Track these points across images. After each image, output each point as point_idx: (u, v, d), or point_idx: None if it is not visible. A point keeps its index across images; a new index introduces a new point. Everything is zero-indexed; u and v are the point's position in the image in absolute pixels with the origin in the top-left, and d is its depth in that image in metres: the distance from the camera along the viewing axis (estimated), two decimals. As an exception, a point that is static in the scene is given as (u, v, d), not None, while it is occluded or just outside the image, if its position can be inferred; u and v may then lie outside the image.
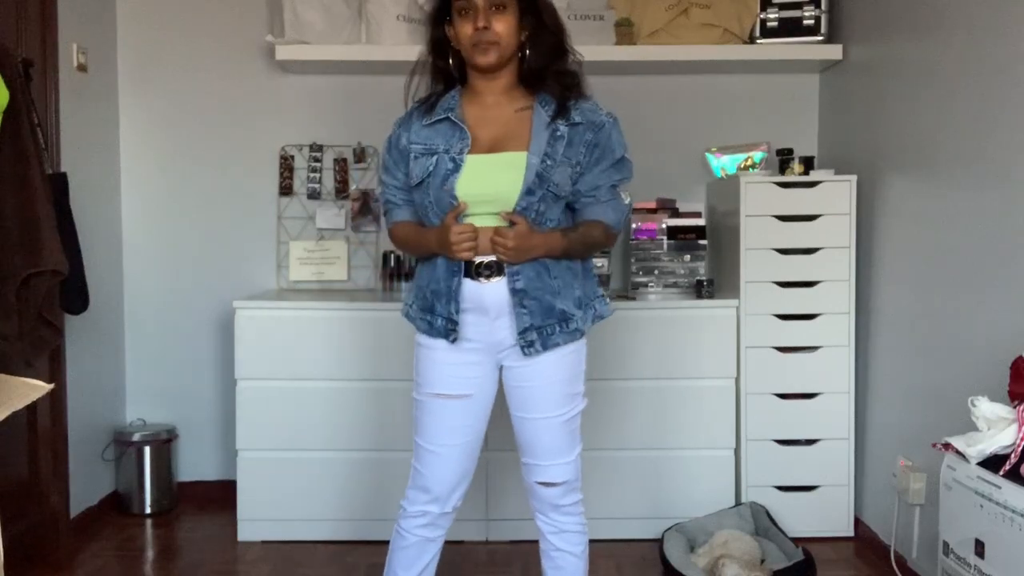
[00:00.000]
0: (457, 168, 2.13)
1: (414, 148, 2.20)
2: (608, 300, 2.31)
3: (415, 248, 2.28)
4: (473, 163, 2.13)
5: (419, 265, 2.29)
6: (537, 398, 2.22)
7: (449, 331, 2.18)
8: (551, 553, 2.31)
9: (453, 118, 2.17)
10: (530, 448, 2.25)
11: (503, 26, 2.13)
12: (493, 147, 2.16)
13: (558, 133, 2.15)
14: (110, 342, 3.73)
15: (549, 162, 2.12)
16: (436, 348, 2.22)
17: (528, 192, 2.11)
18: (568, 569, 2.31)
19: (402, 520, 2.27)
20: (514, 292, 2.15)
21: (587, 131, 2.17)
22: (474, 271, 2.15)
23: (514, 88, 2.22)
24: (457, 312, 2.16)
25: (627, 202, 2.27)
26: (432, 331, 2.21)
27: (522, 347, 2.17)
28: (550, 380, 2.21)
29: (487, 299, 2.16)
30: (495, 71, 2.18)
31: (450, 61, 2.22)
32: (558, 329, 2.17)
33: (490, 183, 2.13)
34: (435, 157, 2.15)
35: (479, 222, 2.14)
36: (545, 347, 2.17)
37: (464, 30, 2.14)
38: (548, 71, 2.19)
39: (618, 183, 2.24)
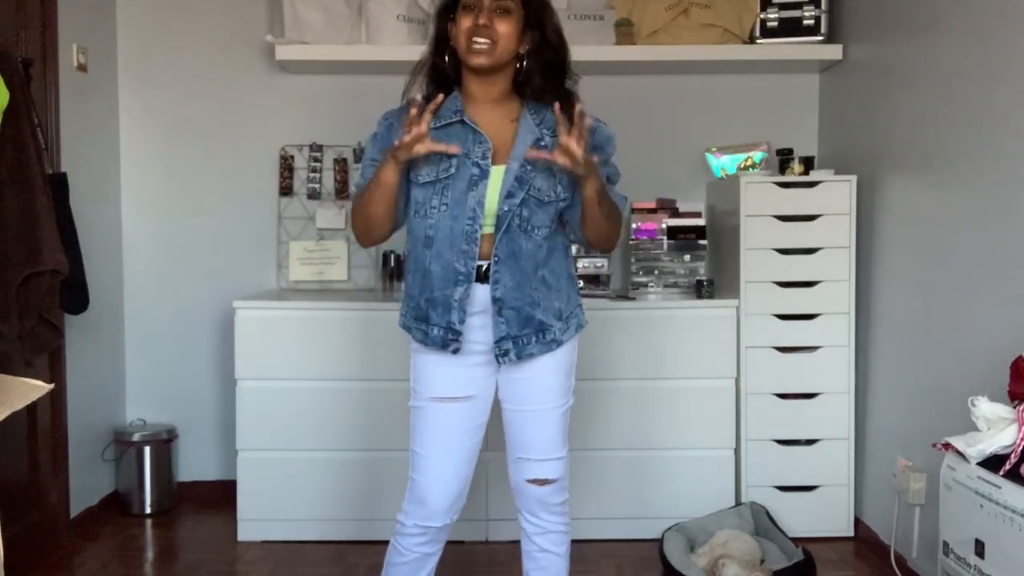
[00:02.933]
0: (485, 175, 2.09)
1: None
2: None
3: (371, 194, 2.10)
4: (493, 172, 2.10)
5: (409, 275, 2.23)
6: (536, 389, 2.21)
7: (449, 341, 2.15)
8: (535, 554, 2.29)
9: (467, 120, 2.12)
10: (525, 443, 2.24)
11: (504, 28, 2.09)
12: (494, 157, 2.13)
13: (542, 143, 2.11)
14: (110, 342, 3.73)
15: (530, 167, 2.10)
16: (434, 352, 2.20)
17: (508, 196, 2.09)
18: (552, 569, 2.29)
19: (399, 537, 2.23)
20: (493, 300, 2.13)
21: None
22: (483, 274, 2.13)
23: (508, 97, 2.18)
24: (461, 322, 2.13)
25: (623, 196, 2.26)
26: (427, 340, 2.17)
27: (496, 355, 2.16)
28: (550, 372, 2.21)
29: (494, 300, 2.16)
30: (488, 74, 2.14)
31: (446, 60, 2.17)
32: (534, 339, 2.16)
33: (496, 188, 2.11)
34: (454, 160, 2.09)
35: (485, 228, 2.12)
36: (519, 357, 2.16)
37: (464, 23, 2.09)
38: (546, 87, 2.16)
39: (611, 176, 2.22)
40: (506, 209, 2.09)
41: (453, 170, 2.10)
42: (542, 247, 2.15)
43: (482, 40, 2.08)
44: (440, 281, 2.13)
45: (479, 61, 2.09)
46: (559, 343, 2.20)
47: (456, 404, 2.19)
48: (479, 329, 2.17)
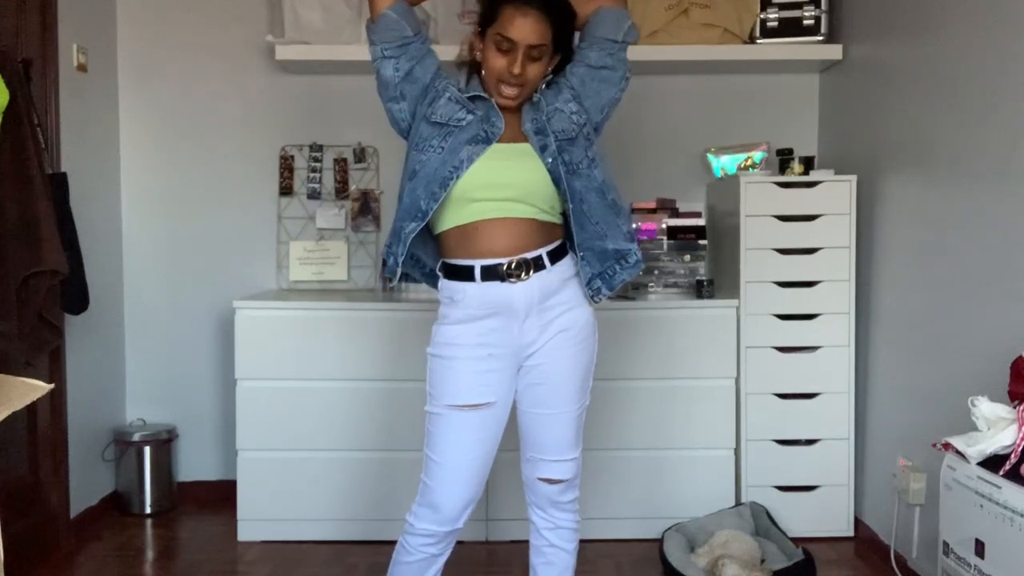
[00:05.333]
0: (488, 141, 2.14)
1: (452, 92, 2.19)
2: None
3: None
4: (497, 148, 2.16)
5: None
6: (555, 394, 2.22)
7: (393, 271, 2.22)
8: (544, 548, 2.31)
9: (495, 102, 2.19)
10: (538, 444, 2.25)
11: (535, 72, 2.16)
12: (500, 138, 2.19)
13: (535, 100, 2.21)
14: (110, 342, 3.73)
15: (539, 122, 2.18)
16: (454, 358, 2.17)
17: (543, 149, 2.15)
18: (559, 565, 2.31)
19: (407, 536, 2.22)
20: (577, 247, 2.19)
21: (560, 80, 2.25)
22: (504, 272, 2.14)
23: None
24: (402, 255, 2.18)
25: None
26: (386, 272, 2.27)
27: (591, 296, 2.23)
28: (570, 375, 2.22)
29: (517, 300, 2.15)
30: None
31: (482, 73, 2.22)
32: (618, 268, 2.23)
33: (509, 165, 2.15)
34: (470, 116, 2.16)
35: (499, 212, 2.14)
36: (612, 288, 2.23)
37: (497, 63, 2.14)
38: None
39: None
40: (551, 160, 2.15)
41: (464, 123, 2.16)
42: (592, 179, 2.21)
43: (512, 87, 2.15)
44: (403, 213, 2.19)
45: (508, 102, 2.18)
46: (642, 262, 2.28)
47: (475, 412, 2.16)
48: (496, 333, 2.16)
